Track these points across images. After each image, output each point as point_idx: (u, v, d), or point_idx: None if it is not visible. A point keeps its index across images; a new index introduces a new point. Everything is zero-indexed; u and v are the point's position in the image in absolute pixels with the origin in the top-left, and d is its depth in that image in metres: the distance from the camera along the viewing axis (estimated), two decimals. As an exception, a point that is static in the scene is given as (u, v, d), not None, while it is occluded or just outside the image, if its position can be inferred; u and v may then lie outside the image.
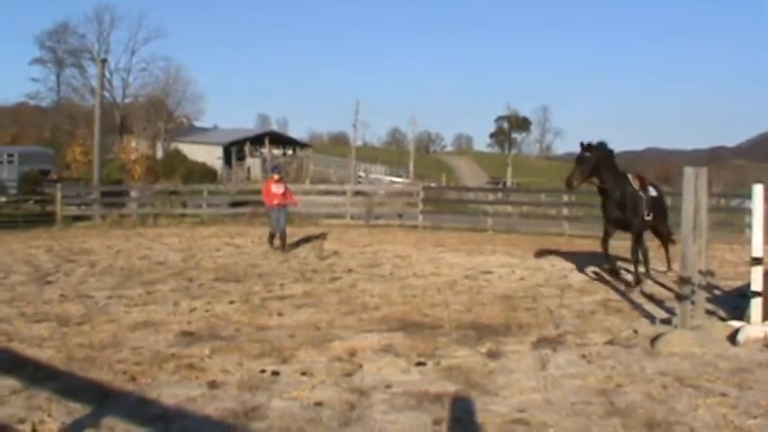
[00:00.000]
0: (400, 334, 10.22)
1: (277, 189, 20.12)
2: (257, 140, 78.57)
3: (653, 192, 14.93)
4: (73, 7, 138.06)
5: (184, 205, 32.92)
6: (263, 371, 8.60)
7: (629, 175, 14.67)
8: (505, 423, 6.82)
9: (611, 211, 14.42)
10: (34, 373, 8.63)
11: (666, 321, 10.71)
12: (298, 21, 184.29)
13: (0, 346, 10.03)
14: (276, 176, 20.65)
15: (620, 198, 14.23)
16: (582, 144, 14.15)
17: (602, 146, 14.27)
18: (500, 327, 10.73)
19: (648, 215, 14.50)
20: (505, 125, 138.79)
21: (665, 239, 16.11)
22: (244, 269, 16.69)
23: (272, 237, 20.15)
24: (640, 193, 14.42)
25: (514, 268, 16.79)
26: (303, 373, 8.49)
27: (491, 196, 35.07)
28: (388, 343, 9.77)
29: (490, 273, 16.07)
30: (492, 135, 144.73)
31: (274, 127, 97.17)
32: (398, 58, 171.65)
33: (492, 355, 9.20)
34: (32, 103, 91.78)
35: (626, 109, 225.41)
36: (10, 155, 55.70)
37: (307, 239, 21.94)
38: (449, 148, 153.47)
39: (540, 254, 18.85)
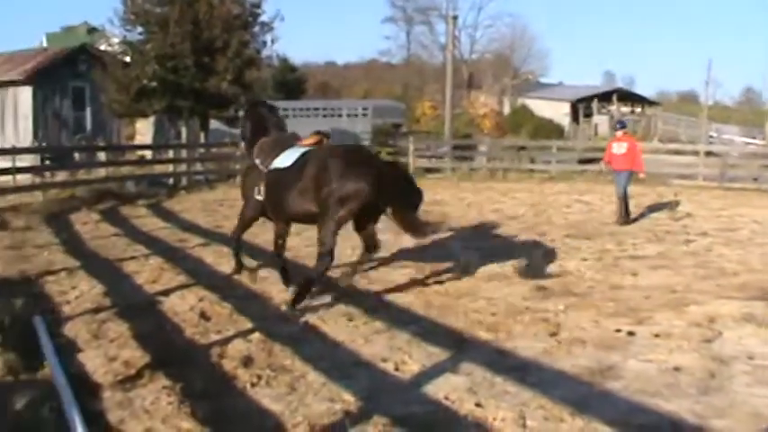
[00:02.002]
0: (762, 303, 9.61)
1: (618, 149, 17.91)
2: (605, 97, 77.07)
3: (287, 156, 10.00)
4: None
5: (533, 161, 32.96)
6: (618, 330, 8.48)
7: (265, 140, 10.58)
8: None
9: None
10: (395, 316, 9.03)
11: None
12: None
13: (363, 288, 10.59)
14: (619, 134, 18.57)
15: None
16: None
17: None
18: None
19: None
20: None
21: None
22: (594, 227, 16.48)
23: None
24: (259, 165, 10.31)
25: None
26: (658, 336, 8.27)
27: None
28: (749, 312, 9.22)
29: None
30: None
31: (620, 84, 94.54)
32: (752, 12, 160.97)
33: None
34: (383, 59, 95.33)
35: None
36: (364, 108, 58.42)
37: (657, 200, 21.26)
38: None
39: None
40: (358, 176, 9.16)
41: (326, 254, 9.24)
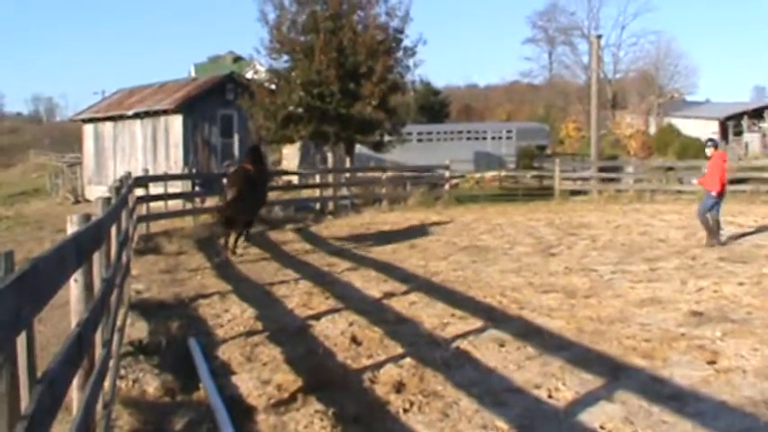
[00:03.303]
0: None
1: (705, 169, 17.20)
2: (755, 114, 74.66)
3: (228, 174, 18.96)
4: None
5: (681, 182, 32.11)
6: (781, 359, 8.10)
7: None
8: None
9: None
10: (547, 342, 8.89)
11: None
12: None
13: (513, 313, 10.49)
14: (708, 152, 17.21)
15: None
16: None
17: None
18: None
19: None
20: None
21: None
22: (748, 249, 15.84)
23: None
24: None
25: None
26: (823, 366, 7.87)
27: None
28: None
29: None
30: None
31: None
32: None
33: None
34: (525, 80, 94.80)
35: None
36: (509, 131, 58.21)
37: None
38: None
39: None
40: (232, 185, 16.41)
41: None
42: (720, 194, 16.42)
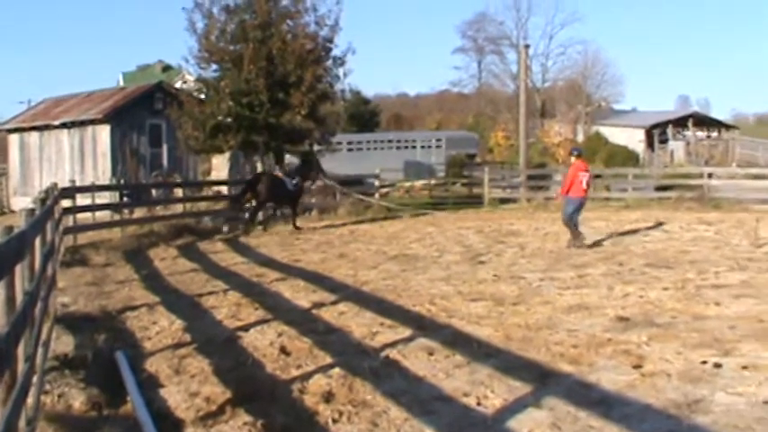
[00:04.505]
0: None
1: None
2: (680, 122, 76.04)
3: None
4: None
5: (608, 189, 32.62)
6: (704, 362, 8.23)
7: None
8: None
9: None
10: (475, 350, 8.94)
11: None
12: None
13: (442, 321, 10.53)
14: (572, 160, 19.07)
15: None
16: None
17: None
18: None
19: None
20: None
21: None
22: (674, 255, 16.16)
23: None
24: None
25: None
26: (746, 368, 8.00)
27: None
28: (843, 343, 8.93)
29: None
30: None
31: (695, 108, 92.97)
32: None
33: None
34: (455, 90, 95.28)
35: None
36: (438, 140, 58.48)
37: (738, 226, 20.83)
38: None
39: None
40: (260, 184, 23.30)
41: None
42: (567, 197, 18.07)
